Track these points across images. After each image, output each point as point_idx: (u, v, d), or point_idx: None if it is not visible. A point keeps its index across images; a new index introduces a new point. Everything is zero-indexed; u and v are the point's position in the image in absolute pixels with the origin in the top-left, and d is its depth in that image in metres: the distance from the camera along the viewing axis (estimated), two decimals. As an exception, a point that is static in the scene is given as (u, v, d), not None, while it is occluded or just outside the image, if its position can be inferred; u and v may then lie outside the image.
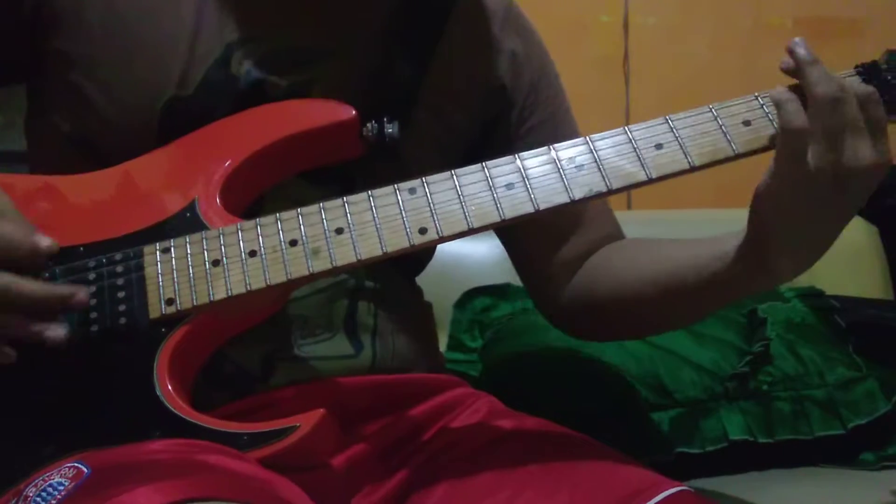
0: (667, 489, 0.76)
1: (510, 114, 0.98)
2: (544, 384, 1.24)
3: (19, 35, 0.87)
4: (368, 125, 0.86)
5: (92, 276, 0.79)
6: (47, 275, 0.79)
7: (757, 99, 0.80)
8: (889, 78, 0.80)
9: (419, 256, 1.00)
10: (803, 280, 1.50)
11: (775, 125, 0.77)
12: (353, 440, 0.86)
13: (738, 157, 0.79)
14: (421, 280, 1.03)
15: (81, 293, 0.77)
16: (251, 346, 0.83)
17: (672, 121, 0.79)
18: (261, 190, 0.86)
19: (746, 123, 0.79)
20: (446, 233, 0.78)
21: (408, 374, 0.92)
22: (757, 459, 1.24)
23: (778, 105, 0.76)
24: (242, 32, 0.87)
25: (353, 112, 0.84)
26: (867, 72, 0.81)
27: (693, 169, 0.78)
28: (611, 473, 0.80)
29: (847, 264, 1.60)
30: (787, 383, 1.28)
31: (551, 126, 0.99)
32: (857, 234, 1.63)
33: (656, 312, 0.94)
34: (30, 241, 0.77)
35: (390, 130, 0.86)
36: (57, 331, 0.76)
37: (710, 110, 0.80)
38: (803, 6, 2.24)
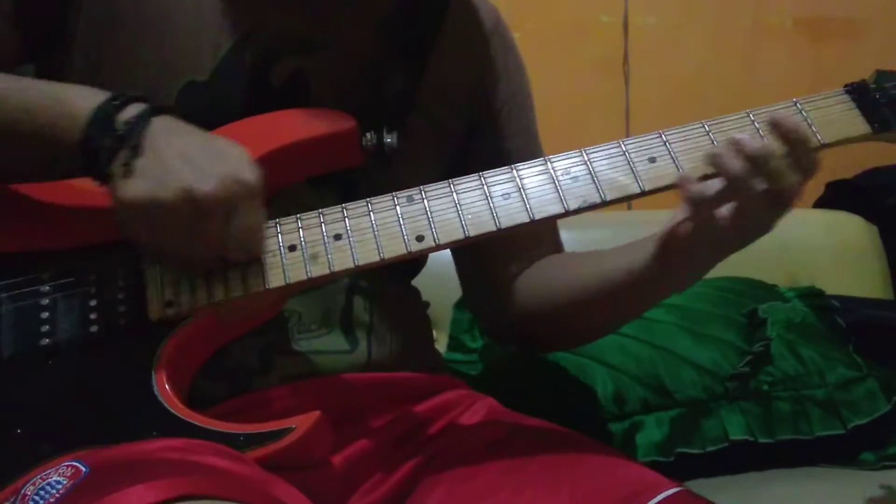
0: (666, 490, 0.76)
1: (490, 121, 1.00)
2: (545, 385, 1.25)
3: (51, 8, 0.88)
4: (368, 135, 0.87)
5: (92, 276, 0.80)
6: (47, 275, 0.80)
7: (748, 116, 0.81)
8: (877, 97, 0.82)
9: (413, 261, 1.01)
10: (803, 280, 1.51)
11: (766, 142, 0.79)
12: (349, 439, 0.86)
13: None
14: (421, 280, 1.03)
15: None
16: (249, 339, 0.84)
17: (665, 135, 0.81)
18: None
19: None
20: (443, 241, 0.79)
21: (404, 372, 0.92)
22: (757, 459, 1.25)
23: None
24: (252, 22, 0.88)
25: (353, 122, 0.85)
26: (856, 91, 0.83)
27: None
28: (610, 474, 0.80)
29: (847, 264, 1.60)
30: (787, 383, 1.28)
31: (522, 141, 1.01)
32: (857, 234, 1.63)
33: (592, 316, 0.97)
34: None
35: (389, 140, 0.87)
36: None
37: (703, 125, 0.81)
38: (803, 6, 2.24)
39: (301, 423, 0.73)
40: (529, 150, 1.00)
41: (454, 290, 1.42)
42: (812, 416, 1.26)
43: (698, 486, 0.82)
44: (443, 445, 0.89)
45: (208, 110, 0.85)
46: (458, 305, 1.44)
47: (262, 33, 0.89)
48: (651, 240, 0.86)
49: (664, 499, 0.75)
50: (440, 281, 1.05)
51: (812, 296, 1.42)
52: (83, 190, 0.85)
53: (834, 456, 1.26)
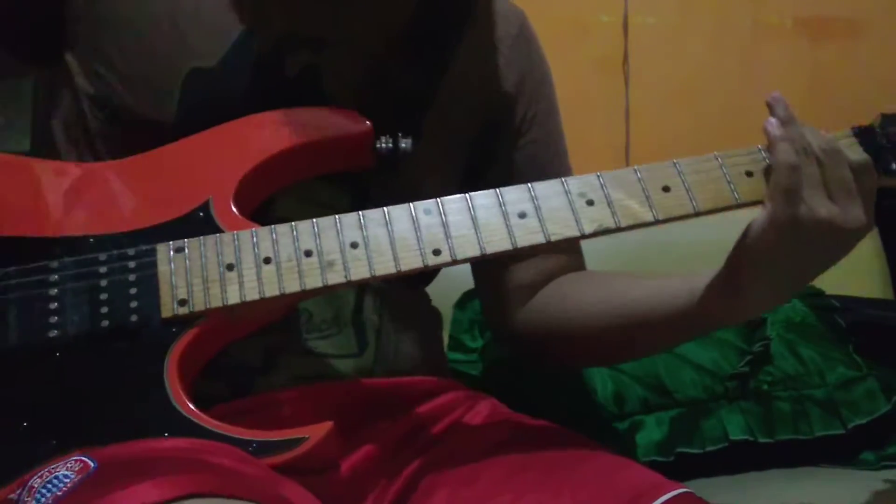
0: (668, 492, 0.76)
1: (511, 122, 0.99)
2: (545, 385, 1.24)
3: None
4: (383, 139, 0.86)
5: (103, 269, 0.79)
6: (56, 264, 0.78)
7: (760, 151, 0.82)
8: (883, 142, 0.84)
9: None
10: (803, 280, 1.50)
11: None
12: (355, 445, 0.86)
13: (739, 206, 0.81)
14: (421, 280, 1.03)
15: None
16: (253, 338, 0.83)
17: (678, 165, 0.82)
18: (271, 192, 0.86)
19: (749, 174, 0.81)
20: (460, 256, 0.79)
21: (411, 376, 0.92)
22: (757, 459, 1.25)
23: (772, 143, 0.78)
24: (263, 14, 0.87)
25: (369, 124, 0.84)
26: (862, 134, 0.84)
27: (697, 214, 0.81)
28: (612, 475, 0.80)
29: (847, 264, 1.59)
30: (787, 383, 1.28)
31: (544, 147, 1.00)
32: (857, 234, 1.63)
33: (614, 345, 0.95)
34: None
35: (404, 146, 0.87)
36: None
37: (716, 158, 0.82)
38: (803, 6, 2.24)
39: (314, 433, 0.73)
40: (554, 159, 1.00)
41: (454, 290, 1.43)
42: (812, 416, 1.26)
43: (698, 486, 0.82)
44: (444, 447, 0.89)
45: (214, 98, 0.85)
46: (459, 305, 1.44)
47: (273, 26, 0.87)
48: (706, 276, 0.84)
49: (666, 501, 0.75)
50: (440, 281, 1.05)
51: (812, 296, 1.42)
52: (96, 178, 0.84)
53: (834, 456, 1.26)
